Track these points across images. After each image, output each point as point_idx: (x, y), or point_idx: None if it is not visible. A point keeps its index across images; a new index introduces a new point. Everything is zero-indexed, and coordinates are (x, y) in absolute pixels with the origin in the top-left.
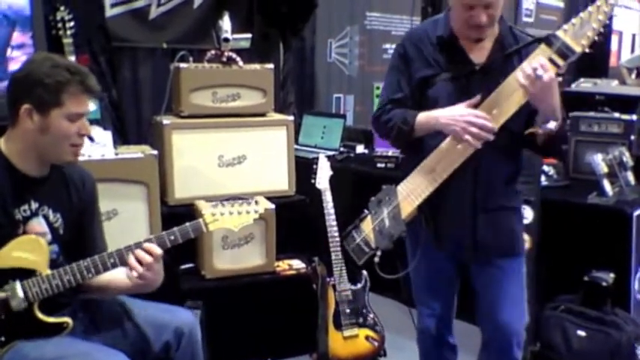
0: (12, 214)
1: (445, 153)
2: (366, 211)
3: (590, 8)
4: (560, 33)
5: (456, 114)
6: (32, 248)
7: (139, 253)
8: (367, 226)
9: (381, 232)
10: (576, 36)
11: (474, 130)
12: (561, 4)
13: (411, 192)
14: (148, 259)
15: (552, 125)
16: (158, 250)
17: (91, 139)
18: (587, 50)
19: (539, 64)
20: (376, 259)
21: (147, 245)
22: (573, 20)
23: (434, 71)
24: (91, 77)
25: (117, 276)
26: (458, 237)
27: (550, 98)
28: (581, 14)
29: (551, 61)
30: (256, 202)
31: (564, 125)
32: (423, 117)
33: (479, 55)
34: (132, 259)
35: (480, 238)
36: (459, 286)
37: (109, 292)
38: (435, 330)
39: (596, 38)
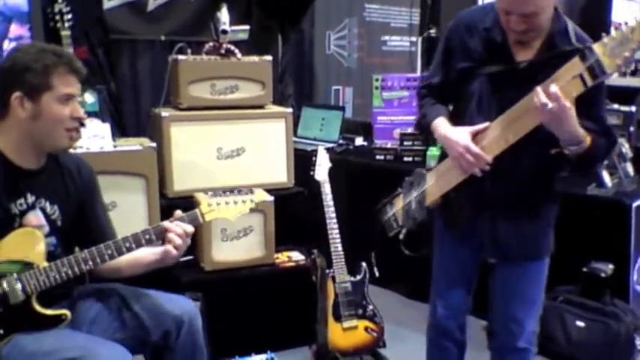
0: (8, 209)
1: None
2: (399, 189)
3: (631, 24)
4: (597, 47)
5: (455, 140)
6: (29, 241)
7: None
8: (399, 204)
9: (407, 212)
10: (613, 54)
11: (464, 163)
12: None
13: (439, 181)
14: (183, 230)
15: (574, 149)
16: (189, 228)
17: (82, 124)
18: (622, 70)
19: (551, 93)
20: (401, 237)
21: (174, 223)
22: (613, 34)
23: (473, 64)
24: (76, 59)
25: (141, 253)
26: (478, 234)
27: (562, 126)
28: (623, 29)
29: (581, 77)
30: (252, 192)
31: (597, 144)
32: (437, 125)
33: (525, 54)
34: (171, 233)
35: (501, 238)
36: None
37: (133, 270)
38: (446, 323)
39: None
